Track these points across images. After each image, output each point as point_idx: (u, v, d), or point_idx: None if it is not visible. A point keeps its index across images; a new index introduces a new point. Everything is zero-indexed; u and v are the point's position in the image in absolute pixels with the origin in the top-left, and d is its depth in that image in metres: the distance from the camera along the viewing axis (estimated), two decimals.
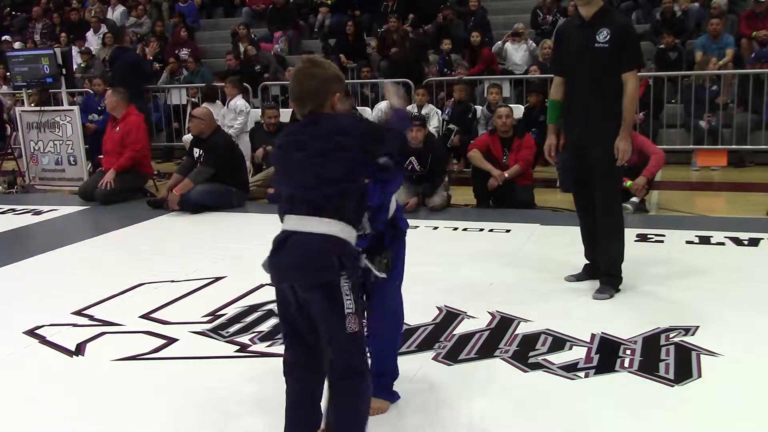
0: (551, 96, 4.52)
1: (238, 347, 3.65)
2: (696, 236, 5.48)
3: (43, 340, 3.80)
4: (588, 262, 4.50)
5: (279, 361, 3.42)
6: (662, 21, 10.49)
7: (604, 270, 4.30)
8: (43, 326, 3.97)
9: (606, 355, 3.38)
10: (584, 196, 4.39)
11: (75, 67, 11.29)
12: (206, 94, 9.63)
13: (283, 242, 2.36)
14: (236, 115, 8.81)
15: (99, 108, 10.10)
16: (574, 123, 4.32)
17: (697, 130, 8.61)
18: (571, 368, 3.25)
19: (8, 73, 10.36)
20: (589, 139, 4.21)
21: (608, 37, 4.06)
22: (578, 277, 4.50)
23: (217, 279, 4.76)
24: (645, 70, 9.19)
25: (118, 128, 7.76)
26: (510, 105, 8.07)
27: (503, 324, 3.80)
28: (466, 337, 3.64)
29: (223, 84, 9.97)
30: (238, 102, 8.91)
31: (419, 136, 6.50)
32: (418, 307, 4.01)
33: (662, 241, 5.43)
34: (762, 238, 5.35)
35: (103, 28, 13.82)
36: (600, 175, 4.22)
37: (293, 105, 2.47)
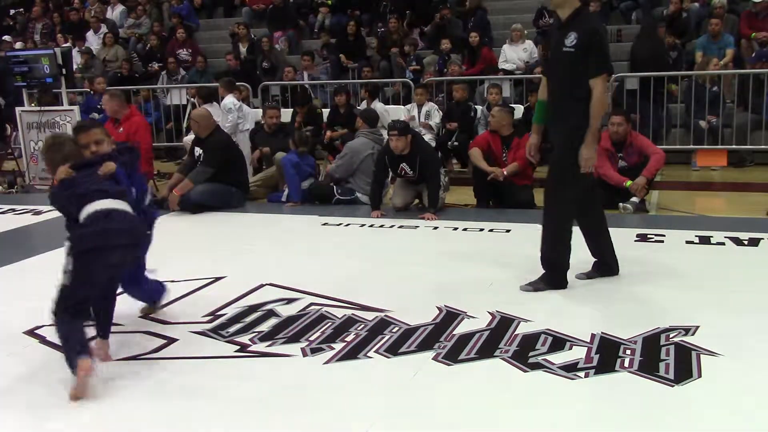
0: (539, 96, 4.56)
1: (238, 347, 3.65)
2: (696, 236, 5.49)
3: (43, 340, 3.80)
4: (595, 260, 4.54)
5: (279, 361, 3.45)
6: (669, 21, 10.45)
7: (542, 263, 4.37)
8: (43, 326, 3.96)
9: (606, 355, 3.38)
10: (582, 198, 4.39)
11: (75, 67, 11.30)
12: (203, 96, 9.58)
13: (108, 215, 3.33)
14: (226, 113, 8.81)
15: (99, 106, 10.09)
16: (549, 124, 4.40)
17: (697, 129, 8.62)
18: (571, 368, 3.25)
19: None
20: (553, 140, 4.31)
21: (575, 41, 4.06)
22: (589, 275, 4.51)
23: (217, 279, 4.76)
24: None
25: (122, 129, 7.75)
26: (511, 105, 8.09)
27: (503, 324, 3.80)
28: (466, 337, 3.64)
29: (215, 84, 9.95)
30: (227, 101, 8.90)
31: (399, 145, 6.42)
32: (418, 307, 4.03)
33: (662, 241, 5.43)
34: (762, 238, 5.35)
35: (103, 28, 13.84)
36: (549, 176, 4.30)
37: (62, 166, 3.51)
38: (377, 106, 9.16)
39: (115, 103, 7.82)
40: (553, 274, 4.35)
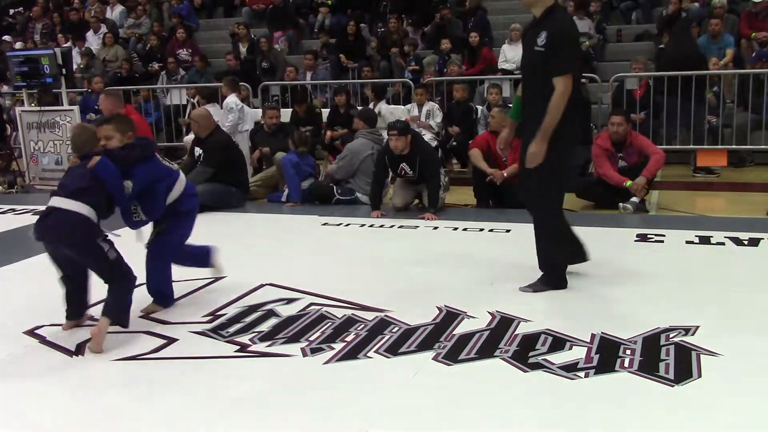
0: (517, 93, 4.61)
1: (238, 347, 3.65)
2: (696, 236, 5.49)
3: (43, 340, 3.80)
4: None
5: (279, 361, 3.45)
6: (667, 20, 10.47)
7: (540, 266, 4.40)
8: (43, 326, 3.97)
9: (606, 355, 3.38)
10: None
11: (75, 67, 11.31)
12: (205, 96, 9.59)
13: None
14: (227, 112, 8.83)
15: (96, 107, 10.06)
16: (521, 122, 4.43)
17: (697, 129, 8.60)
18: (571, 368, 3.25)
19: (8, 73, 10.37)
20: (523, 138, 4.33)
21: (545, 41, 4.06)
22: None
23: (217, 279, 4.75)
24: (645, 69, 9.21)
25: None
26: (511, 105, 8.08)
27: (503, 324, 3.80)
28: (466, 337, 3.64)
29: (219, 84, 9.97)
30: (229, 100, 8.91)
31: (399, 145, 6.43)
32: (418, 307, 4.03)
33: (662, 241, 5.43)
34: (762, 238, 5.35)
35: (103, 28, 13.83)
36: (528, 176, 4.30)
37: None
38: (383, 106, 9.13)
39: (110, 103, 7.75)
40: (552, 275, 4.37)
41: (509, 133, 4.59)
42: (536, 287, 4.33)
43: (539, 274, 4.41)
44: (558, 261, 4.37)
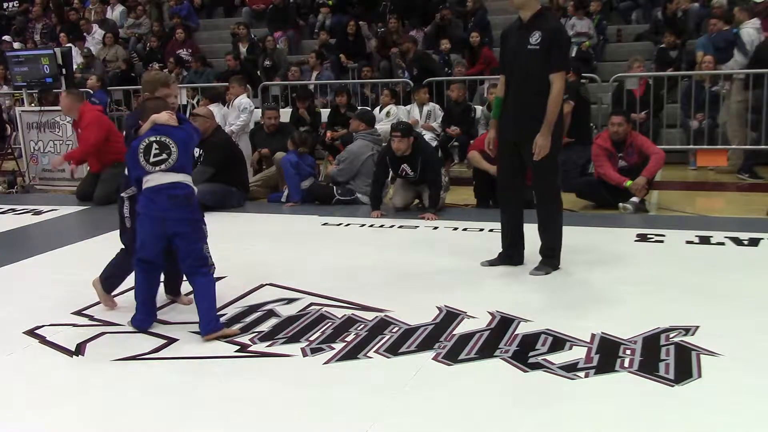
0: (496, 93, 4.80)
1: (238, 347, 3.65)
2: (696, 236, 5.49)
3: (43, 340, 3.80)
4: (502, 250, 4.85)
5: (279, 361, 3.45)
6: (663, 20, 10.49)
7: (543, 251, 4.69)
8: (43, 326, 3.97)
9: (606, 355, 3.38)
10: (509, 191, 4.76)
11: (75, 67, 11.30)
12: (210, 96, 9.58)
13: None
14: (239, 113, 8.81)
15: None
16: (507, 120, 4.62)
17: (696, 129, 8.59)
18: (571, 368, 3.25)
19: (8, 73, 10.37)
20: (522, 135, 4.49)
21: (539, 39, 4.33)
22: (492, 263, 4.83)
23: (217, 279, 4.72)
24: (645, 69, 9.20)
25: (80, 129, 7.69)
26: None
27: (503, 324, 3.80)
28: (466, 337, 3.64)
29: (222, 84, 9.96)
30: (243, 100, 8.89)
31: (401, 146, 6.42)
32: (418, 307, 4.03)
33: (662, 241, 5.43)
34: (762, 238, 5.35)
35: (95, 28, 13.83)
36: (534, 168, 4.51)
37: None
38: (399, 109, 9.07)
39: (67, 102, 7.66)
40: (555, 259, 4.66)
41: (496, 132, 4.79)
42: (545, 270, 4.61)
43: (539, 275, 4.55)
44: (559, 245, 4.67)
